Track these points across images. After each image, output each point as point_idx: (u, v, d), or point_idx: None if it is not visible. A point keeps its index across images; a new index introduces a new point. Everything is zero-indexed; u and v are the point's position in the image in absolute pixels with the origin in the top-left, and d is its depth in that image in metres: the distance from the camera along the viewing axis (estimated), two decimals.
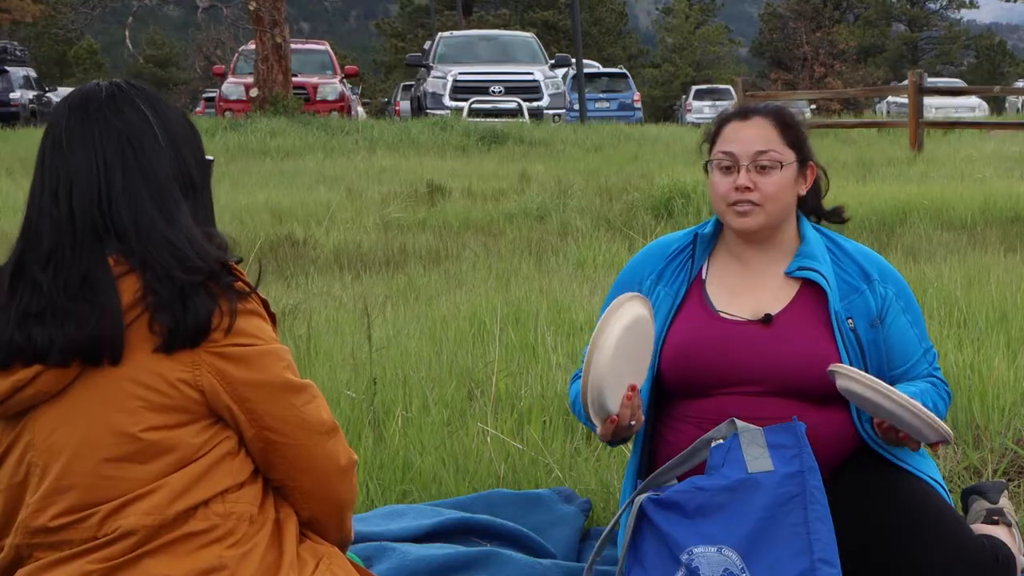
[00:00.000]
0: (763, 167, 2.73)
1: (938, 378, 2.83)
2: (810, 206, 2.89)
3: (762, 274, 2.80)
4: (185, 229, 2.01)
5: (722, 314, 2.76)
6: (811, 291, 2.75)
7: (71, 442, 1.96)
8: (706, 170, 2.85)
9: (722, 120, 2.83)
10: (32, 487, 1.98)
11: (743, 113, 2.81)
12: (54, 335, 1.94)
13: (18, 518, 1.99)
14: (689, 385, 2.75)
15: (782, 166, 2.74)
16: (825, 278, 2.73)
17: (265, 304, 2.08)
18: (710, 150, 2.83)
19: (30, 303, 1.96)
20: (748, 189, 2.72)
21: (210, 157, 2.18)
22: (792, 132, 2.78)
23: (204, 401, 1.99)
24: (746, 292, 2.78)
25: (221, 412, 2.01)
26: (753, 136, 2.75)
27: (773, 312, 2.73)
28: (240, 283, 2.03)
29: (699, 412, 2.74)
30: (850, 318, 2.72)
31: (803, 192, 2.82)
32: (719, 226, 2.87)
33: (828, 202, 2.95)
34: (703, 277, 2.82)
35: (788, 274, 2.77)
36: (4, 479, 2.02)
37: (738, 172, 2.74)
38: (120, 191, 1.99)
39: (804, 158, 2.80)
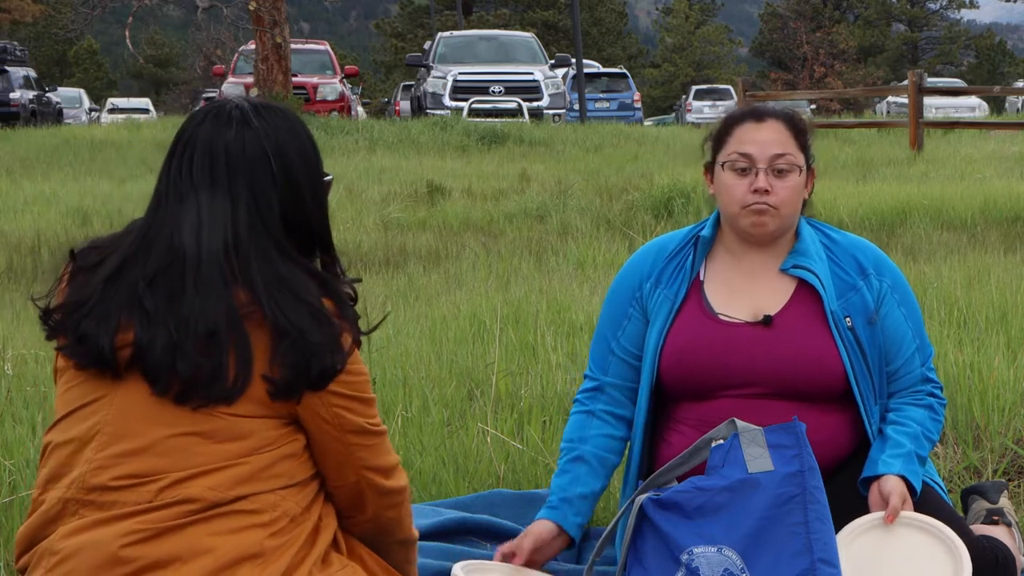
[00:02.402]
0: (780, 171, 2.70)
1: (932, 383, 2.81)
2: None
3: (759, 272, 2.78)
4: (312, 281, 2.07)
5: (721, 316, 2.74)
6: (808, 289, 2.73)
7: (151, 410, 2.00)
8: (708, 169, 2.82)
9: (733, 120, 2.78)
10: (97, 445, 2.01)
11: (756, 115, 2.76)
12: (160, 367, 1.98)
13: (74, 473, 2.01)
14: (688, 388, 2.74)
15: (800, 171, 2.72)
16: (819, 278, 2.71)
17: (366, 334, 2.18)
18: (716, 149, 2.79)
19: (131, 321, 1.99)
20: (767, 192, 2.68)
21: (329, 176, 2.21)
22: (803, 137, 2.76)
23: (289, 406, 2.06)
24: (744, 292, 2.76)
25: (307, 419, 2.08)
26: (770, 139, 2.71)
27: (772, 312, 2.72)
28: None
29: (699, 414, 2.73)
30: (848, 317, 2.70)
31: (807, 196, 2.80)
32: (716, 226, 2.84)
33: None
34: (701, 278, 2.80)
35: (783, 271, 2.75)
36: (64, 433, 2.05)
37: (755, 175, 2.69)
38: (246, 236, 2.04)
39: (809, 162, 2.78)
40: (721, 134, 2.78)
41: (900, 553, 2.55)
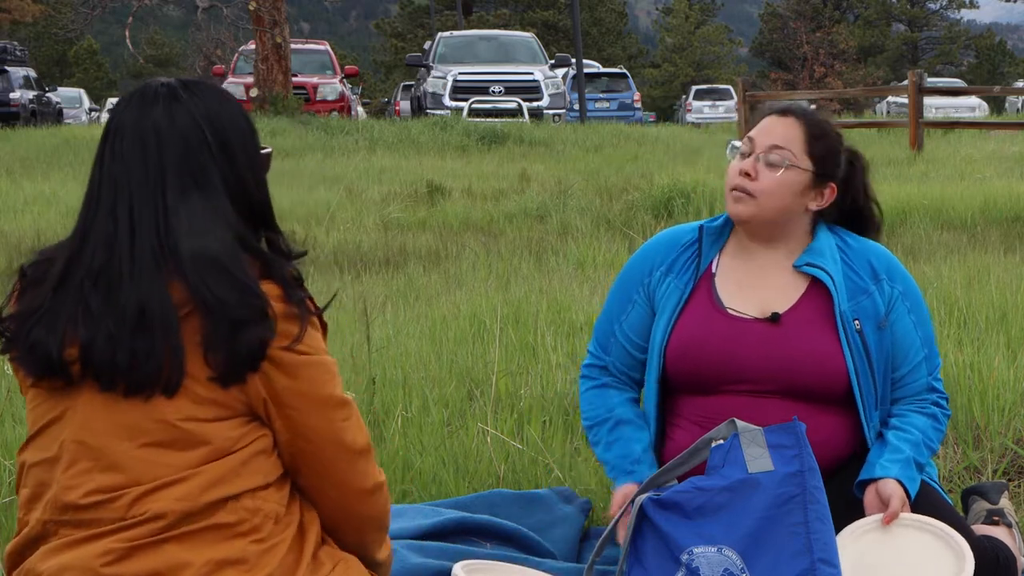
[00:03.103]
0: (770, 161, 2.72)
1: (938, 393, 2.80)
2: (834, 218, 2.85)
3: (771, 270, 2.78)
4: (245, 251, 1.98)
5: (730, 310, 2.75)
6: (819, 290, 2.73)
7: (110, 424, 1.96)
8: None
9: (764, 113, 2.84)
10: (64, 464, 1.98)
11: (783, 110, 2.81)
12: (103, 363, 1.93)
13: (48, 493, 1.99)
14: (693, 381, 2.74)
15: (787, 166, 2.72)
16: (831, 276, 2.71)
17: (318, 312, 2.07)
18: None
19: (77, 324, 1.94)
20: (748, 176, 2.72)
21: (267, 148, 2.13)
22: (819, 144, 2.75)
23: (246, 400, 1.98)
24: (754, 287, 2.77)
25: (260, 413, 2.01)
26: (776, 131, 2.75)
27: (781, 310, 2.73)
28: (309, 300, 2.03)
29: (703, 410, 2.73)
30: (857, 319, 2.70)
31: (814, 207, 2.78)
32: (731, 220, 2.85)
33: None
34: (713, 271, 2.81)
35: (796, 267, 2.76)
36: (38, 453, 2.02)
37: (749, 159, 2.74)
38: (177, 212, 1.96)
39: (825, 174, 2.77)
40: (752, 125, 2.84)
41: (902, 553, 2.55)
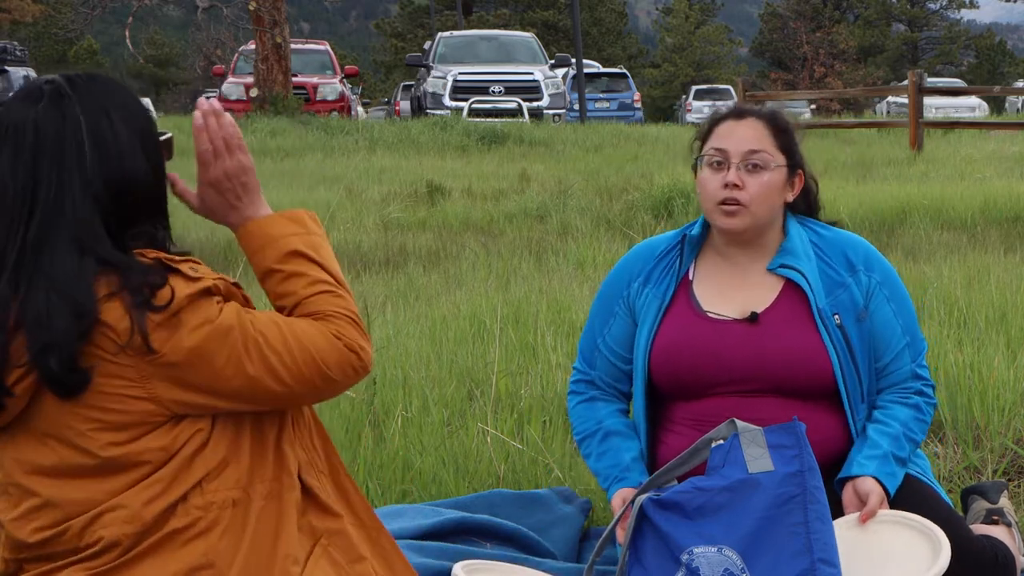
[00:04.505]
0: (753, 166, 2.72)
1: (923, 380, 2.79)
2: (799, 210, 2.86)
3: (747, 271, 2.79)
4: (94, 259, 1.88)
5: (709, 314, 2.75)
6: (796, 287, 2.74)
7: (36, 464, 1.93)
8: (695, 168, 2.83)
9: (716, 119, 2.82)
10: (8, 507, 1.96)
11: (738, 113, 2.80)
12: None
13: (2, 535, 1.98)
14: (679, 386, 2.75)
15: (772, 168, 2.73)
16: (806, 277, 2.72)
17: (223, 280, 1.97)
18: (701, 147, 2.81)
19: None
20: (736, 187, 2.70)
21: (167, 133, 2.02)
22: (785, 137, 2.76)
23: (161, 411, 1.92)
24: (732, 290, 2.77)
25: (188, 411, 1.93)
26: (747, 135, 2.74)
27: (759, 310, 2.73)
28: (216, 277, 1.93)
29: (693, 413, 2.74)
30: (836, 314, 2.71)
31: (789, 199, 2.79)
32: (706, 227, 2.84)
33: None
34: (690, 278, 2.82)
35: (770, 270, 2.76)
36: None
37: (728, 169, 2.72)
38: (30, 229, 1.88)
39: (794, 164, 2.78)
40: (705, 132, 2.82)
41: (878, 548, 2.55)
